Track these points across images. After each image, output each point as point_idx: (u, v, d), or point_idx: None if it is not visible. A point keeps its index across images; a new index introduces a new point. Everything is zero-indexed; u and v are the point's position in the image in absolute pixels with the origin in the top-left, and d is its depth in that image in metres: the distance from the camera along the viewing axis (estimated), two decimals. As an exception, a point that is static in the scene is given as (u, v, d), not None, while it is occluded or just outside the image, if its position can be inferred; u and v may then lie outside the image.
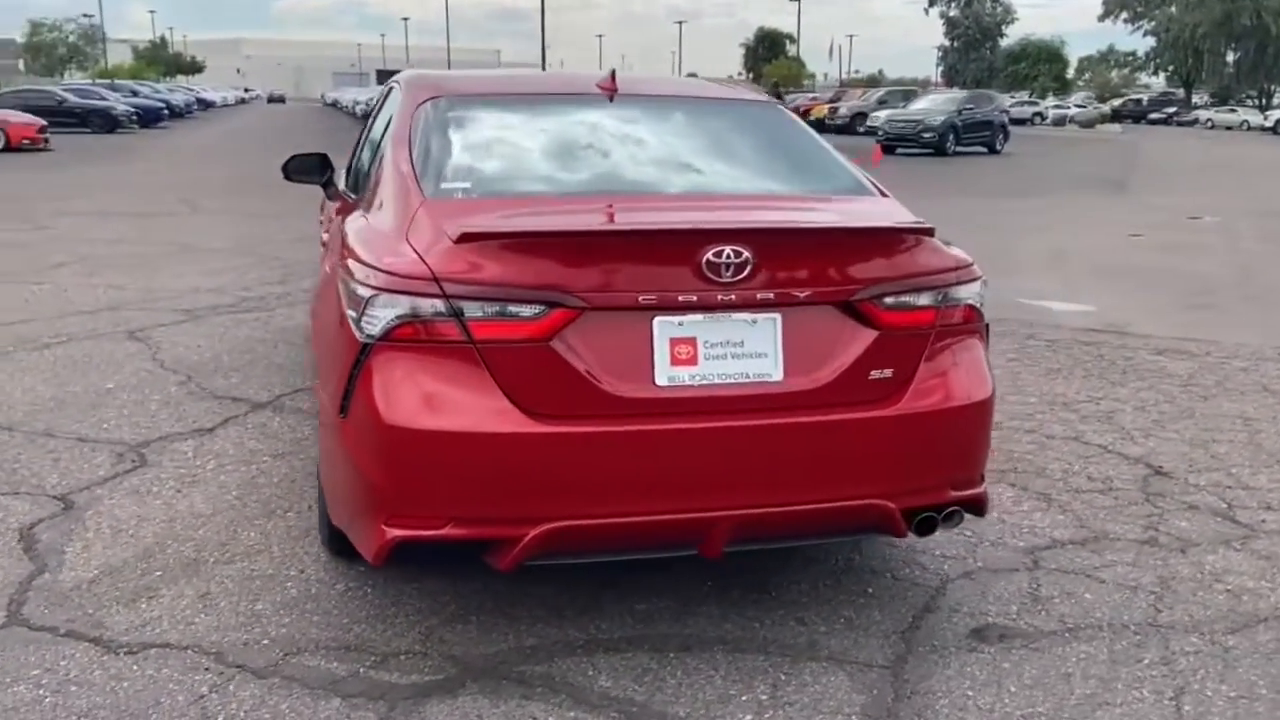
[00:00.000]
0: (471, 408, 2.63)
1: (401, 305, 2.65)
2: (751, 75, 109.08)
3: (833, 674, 2.93)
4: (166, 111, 42.19)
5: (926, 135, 28.75)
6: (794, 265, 2.80)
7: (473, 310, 2.63)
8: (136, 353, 6.23)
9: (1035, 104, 67.25)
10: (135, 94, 44.36)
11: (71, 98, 34.81)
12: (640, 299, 2.68)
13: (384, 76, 60.07)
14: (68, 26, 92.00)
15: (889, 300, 2.88)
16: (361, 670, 2.89)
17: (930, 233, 2.96)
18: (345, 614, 3.18)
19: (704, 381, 2.75)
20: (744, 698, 2.80)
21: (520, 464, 2.64)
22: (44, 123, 26.40)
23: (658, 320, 2.71)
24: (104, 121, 34.02)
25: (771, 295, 2.76)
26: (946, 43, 79.61)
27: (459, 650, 3.00)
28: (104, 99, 36.53)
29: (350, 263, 2.88)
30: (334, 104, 68.25)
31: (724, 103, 3.90)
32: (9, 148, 24.49)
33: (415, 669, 2.90)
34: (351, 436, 2.77)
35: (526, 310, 2.63)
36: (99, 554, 3.55)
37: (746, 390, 2.78)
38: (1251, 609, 3.35)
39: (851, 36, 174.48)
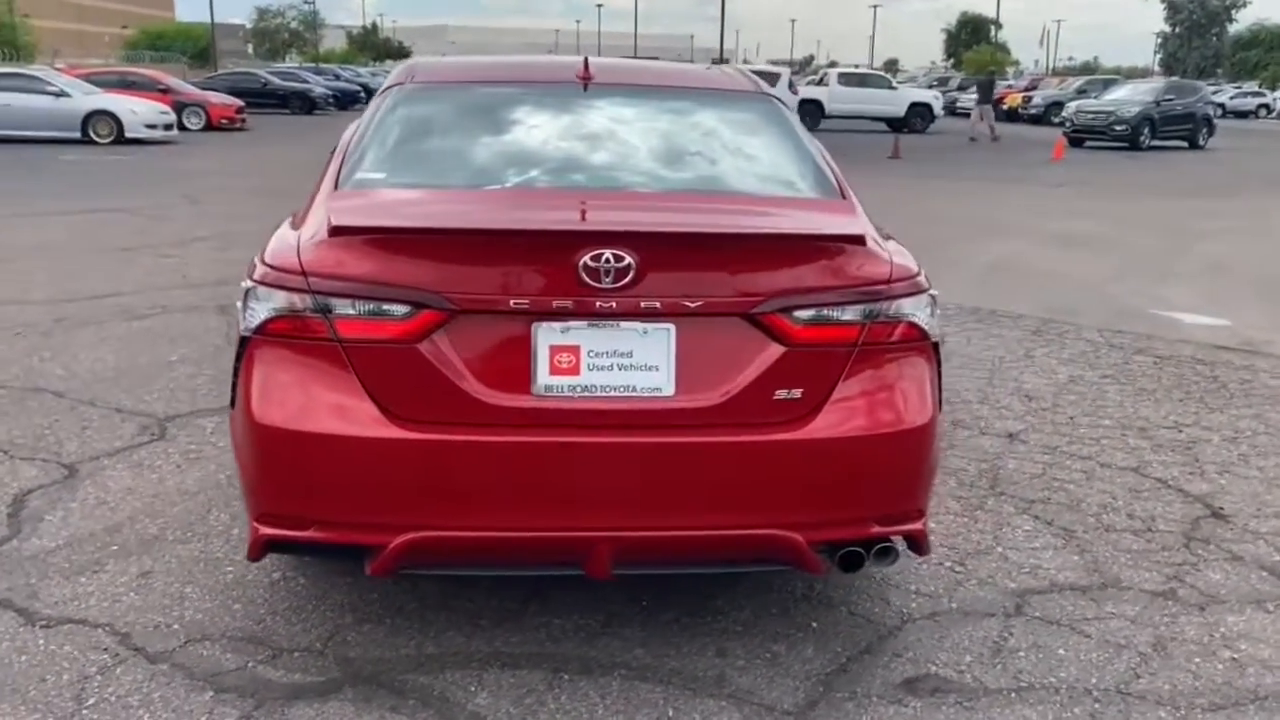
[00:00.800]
0: (334, 409, 2.54)
1: (275, 299, 2.59)
2: (952, 62, 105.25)
3: (727, 713, 2.71)
4: (363, 94, 44.22)
5: (1118, 128, 26.90)
6: (687, 272, 2.57)
7: (342, 308, 2.54)
8: (216, 328, 6.49)
9: (1262, 95, 61.94)
10: (337, 77, 46.84)
11: (275, 80, 37.05)
12: (513, 303, 2.52)
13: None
14: (290, 13, 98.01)
15: (800, 314, 2.61)
16: (250, 664, 2.86)
17: (858, 240, 2.68)
18: (266, 605, 3.17)
19: (585, 393, 2.57)
20: (618, 732, 2.63)
21: (382, 470, 2.54)
22: (242, 103, 28.13)
23: (539, 326, 2.55)
24: (303, 103, 36.02)
25: (659, 304, 2.55)
26: (1167, 29, 74.53)
27: (355, 653, 2.93)
28: (305, 82, 38.70)
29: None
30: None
31: (704, 94, 3.67)
32: (210, 126, 26.21)
33: (302, 668, 2.85)
34: (234, 430, 2.74)
35: (393, 310, 2.52)
36: (72, 524, 3.67)
37: (633, 405, 2.58)
38: (1252, 684, 2.90)
39: (1059, 22, 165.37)
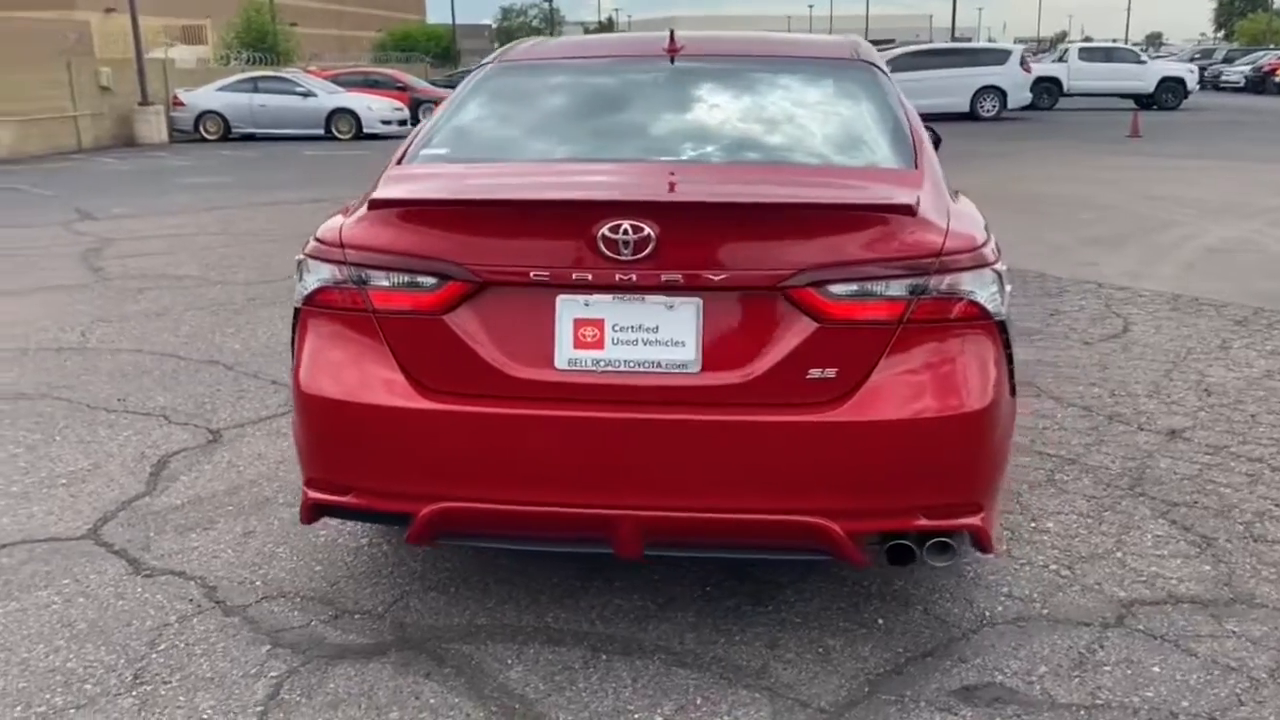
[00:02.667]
0: (366, 378, 2.60)
1: (320, 272, 2.68)
2: (1223, 33, 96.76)
3: (757, 707, 2.59)
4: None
5: None
6: (711, 244, 2.47)
7: (377, 279, 2.60)
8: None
9: None
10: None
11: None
12: (534, 275, 2.50)
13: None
14: (531, 11, 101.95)
15: (835, 289, 2.45)
16: (313, 623, 2.99)
17: (906, 210, 2.48)
18: (345, 568, 3.30)
19: (609, 368, 2.52)
20: (637, 715, 2.56)
21: (410, 440, 2.58)
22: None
23: (561, 299, 2.52)
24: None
25: (681, 278, 2.45)
26: None
27: (412, 619, 3.00)
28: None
29: None
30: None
31: (791, 62, 3.50)
32: (441, 122, 27.56)
33: (358, 629, 2.95)
34: (292, 397, 2.86)
35: (423, 281, 2.56)
36: (200, 485, 3.95)
37: (658, 380, 2.51)
38: (1383, 724, 2.51)
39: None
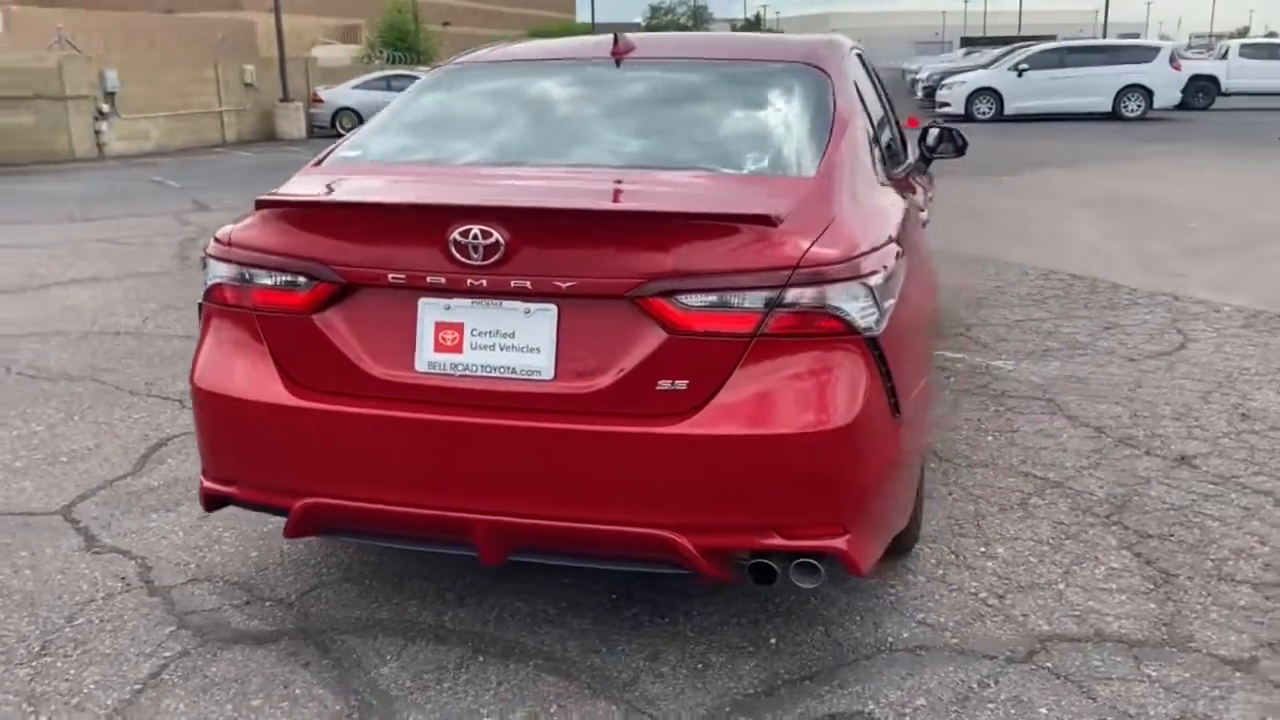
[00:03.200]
0: (246, 374, 2.68)
1: (214, 270, 2.77)
2: None
3: (610, 718, 2.56)
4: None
5: None
6: (562, 251, 2.44)
7: (260, 278, 2.67)
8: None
9: None
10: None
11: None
12: (392, 278, 2.53)
13: (968, 44, 58.51)
14: (680, 9, 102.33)
15: (687, 299, 2.39)
16: (224, 607, 3.09)
17: (766, 220, 2.39)
18: (278, 555, 3.40)
19: (466, 372, 2.53)
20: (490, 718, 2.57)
21: (281, 435, 2.65)
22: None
23: (423, 302, 2.54)
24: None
25: (529, 284, 2.44)
26: None
27: (318, 609, 3.08)
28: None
29: None
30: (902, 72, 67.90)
31: (736, 65, 3.42)
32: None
33: (261, 616, 3.04)
34: None
35: (296, 281, 2.62)
36: (185, 468, 4.13)
37: (513, 386, 2.50)
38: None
39: None
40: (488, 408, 2.51)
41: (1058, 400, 4.87)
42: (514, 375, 2.50)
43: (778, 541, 2.45)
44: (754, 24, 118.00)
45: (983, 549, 3.40)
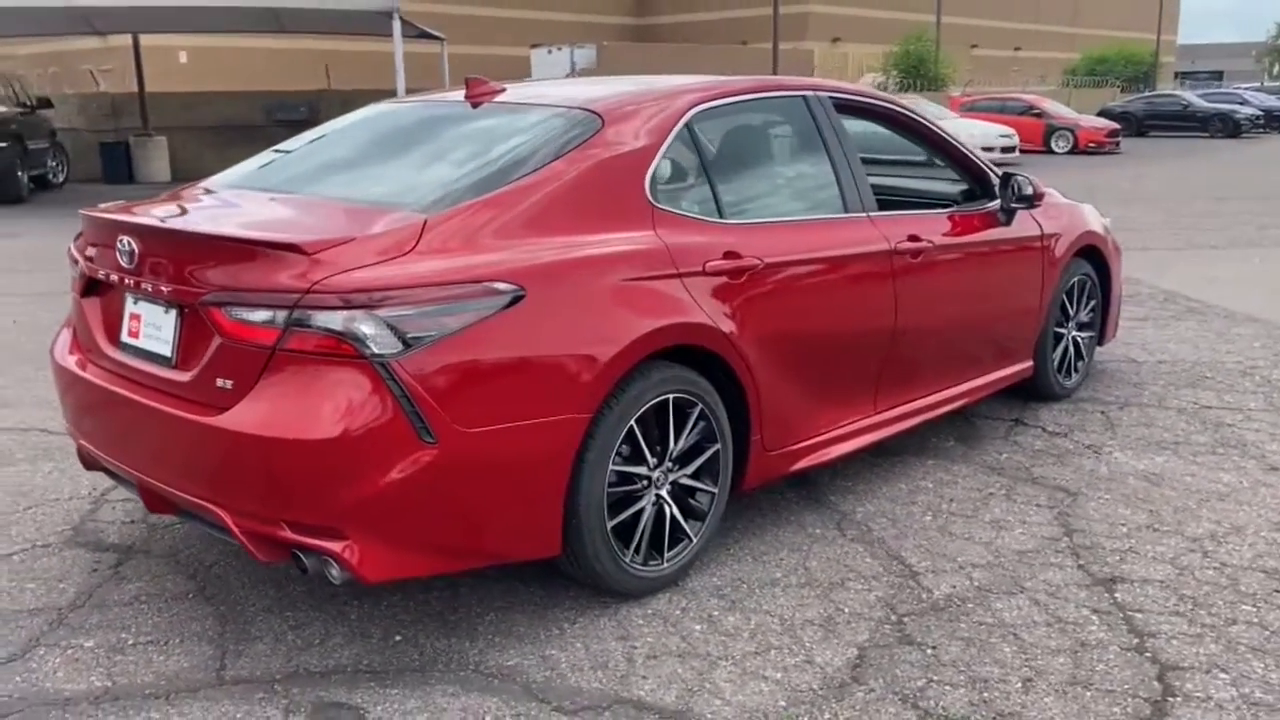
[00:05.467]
0: (62, 340, 3.51)
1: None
2: None
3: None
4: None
5: None
6: (166, 261, 2.94)
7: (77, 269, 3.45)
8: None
9: None
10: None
11: (1198, 103, 34.92)
12: (102, 274, 3.17)
13: None
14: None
15: (232, 310, 2.77)
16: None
17: (294, 248, 2.70)
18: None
19: (135, 355, 3.11)
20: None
21: (67, 389, 3.42)
22: (1116, 126, 27.50)
23: (128, 296, 3.14)
24: (1224, 126, 33.31)
25: (149, 287, 2.98)
26: None
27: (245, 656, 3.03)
28: (1230, 104, 35.64)
29: None
30: None
31: (535, 110, 3.53)
32: (1076, 149, 26.21)
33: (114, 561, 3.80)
34: None
35: (79, 272, 3.36)
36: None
37: (152, 370, 3.03)
38: None
39: None
40: (139, 385, 3.06)
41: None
42: (156, 361, 3.03)
43: (287, 535, 2.71)
44: None
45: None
